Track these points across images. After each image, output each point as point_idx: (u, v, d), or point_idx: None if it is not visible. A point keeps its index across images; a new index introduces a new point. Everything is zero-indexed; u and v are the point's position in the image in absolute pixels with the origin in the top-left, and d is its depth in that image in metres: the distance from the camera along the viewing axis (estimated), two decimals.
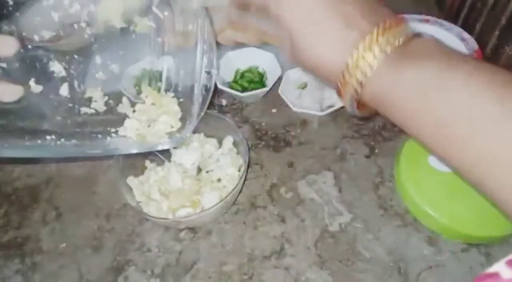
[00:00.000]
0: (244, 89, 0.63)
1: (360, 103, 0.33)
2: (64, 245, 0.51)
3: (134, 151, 0.42)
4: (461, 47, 0.63)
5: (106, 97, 0.43)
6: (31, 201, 0.56)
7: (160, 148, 0.43)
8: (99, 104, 0.43)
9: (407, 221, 0.50)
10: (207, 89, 0.44)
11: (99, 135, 0.42)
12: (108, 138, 0.41)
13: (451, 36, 0.65)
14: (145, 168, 0.54)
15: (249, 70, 0.65)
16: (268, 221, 0.51)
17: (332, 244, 0.49)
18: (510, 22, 0.59)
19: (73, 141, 0.41)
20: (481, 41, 0.64)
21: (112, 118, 0.43)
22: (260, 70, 0.65)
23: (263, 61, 0.65)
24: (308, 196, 0.53)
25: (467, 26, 0.70)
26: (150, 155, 0.54)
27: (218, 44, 0.75)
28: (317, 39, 0.32)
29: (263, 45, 0.73)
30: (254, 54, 0.65)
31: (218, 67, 0.45)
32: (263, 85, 0.63)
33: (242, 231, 0.51)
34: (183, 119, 0.43)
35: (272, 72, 0.64)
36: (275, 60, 0.64)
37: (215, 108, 0.64)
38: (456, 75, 0.27)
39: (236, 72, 0.65)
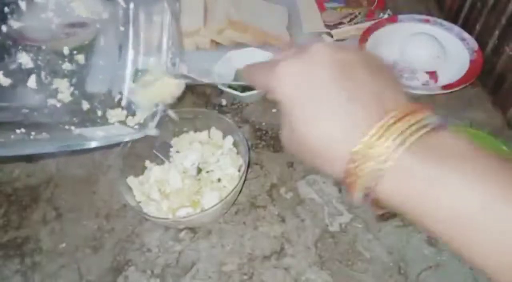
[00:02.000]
0: (244, 89, 0.63)
1: (374, 200, 0.27)
2: (64, 245, 0.51)
3: (100, 143, 0.42)
4: (461, 47, 0.63)
5: (72, 88, 0.43)
6: (31, 201, 0.55)
7: (127, 138, 0.43)
8: (65, 95, 0.43)
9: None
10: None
11: (66, 126, 0.42)
12: (77, 129, 0.42)
13: (451, 36, 0.65)
14: (145, 168, 0.54)
15: None
16: (268, 221, 0.51)
17: (332, 244, 0.49)
18: (510, 22, 0.59)
19: (44, 134, 0.41)
20: (481, 41, 0.64)
21: (77, 109, 0.43)
22: None
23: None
24: (308, 196, 0.53)
25: (467, 26, 0.70)
26: (150, 155, 0.54)
27: (218, 44, 0.75)
28: (319, 119, 0.28)
29: (263, 45, 0.74)
30: (254, 54, 0.65)
31: (181, 57, 0.45)
32: None
33: (242, 231, 0.51)
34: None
35: None
36: None
37: (215, 108, 0.64)
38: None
39: (236, 72, 0.65)
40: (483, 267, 0.24)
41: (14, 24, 0.43)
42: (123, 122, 0.44)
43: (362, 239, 0.49)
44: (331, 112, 0.27)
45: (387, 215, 0.29)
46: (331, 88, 0.28)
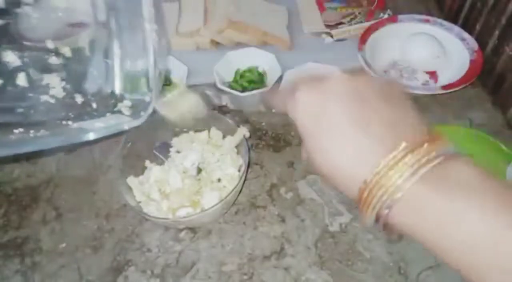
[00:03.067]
0: (244, 89, 0.63)
1: (386, 224, 0.28)
2: (64, 245, 0.51)
3: (100, 134, 0.42)
4: (461, 47, 0.63)
5: (64, 82, 0.43)
6: (31, 201, 0.55)
7: (126, 127, 0.43)
8: (57, 90, 0.43)
9: None
10: (161, 73, 0.44)
11: (64, 122, 0.42)
12: (75, 124, 0.41)
13: (451, 36, 0.65)
14: (145, 168, 0.54)
15: (249, 70, 0.65)
16: (268, 221, 0.51)
17: (332, 244, 0.49)
18: (510, 22, 0.59)
19: (43, 132, 0.40)
20: (481, 41, 0.64)
21: (71, 103, 0.43)
22: (260, 70, 0.65)
23: (263, 61, 0.65)
24: (308, 196, 0.53)
25: (467, 26, 0.70)
26: (150, 155, 0.54)
27: (218, 44, 0.76)
28: (333, 148, 0.29)
29: (263, 45, 0.74)
30: (254, 54, 0.65)
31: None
32: (263, 85, 0.63)
33: (242, 231, 0.51)
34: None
35: (272, 72, 0.64)
36: (275, 60, 0.64)
37: (215, 108, 0.64)
38: None
39: (236, 72, 0.65)
40: None
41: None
42: (117, 111, 0.44)
43: (362, 239, 0.49)
44: (344, 144, 0.28)
45: (398, 236, 0.30)
46: (344, 119, 0.28)
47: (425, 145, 0.26)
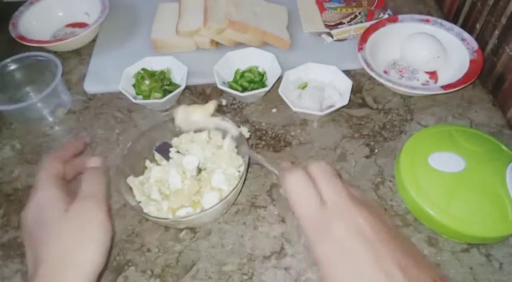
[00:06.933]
0: (244, 89, 0.63)
1: None
2: None
3: None
4: (461, 47, 0.63)
5: None
6: None
7: None
8: None
9: (407, 221, 0.50)
10: None
11: None
12: None
13: (451, 36, 0.65)
14: (145, 168, 0.54)
15: (249, 70, 0.65)
16: (268, 221, 0.51)
17: None
18: (510, 22, 0.59)
19: None
20: (481, 41, 0.65)
21: None
22: (260, 70, 0.65)
23: (263, 61, 0.65)
24: None
25: (467, 26, 0.70)
26: (150, 155, 0.54)
27: (218, 44, 0.75)
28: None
29: (263, 45, 0.74)
30: (254, 54, 0.65)
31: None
32: (263, 85, 0.63)
33: (242, 231, 0.51)
34: None
35: (272, 72, 0.64)
36: (275, 60, 0.64)
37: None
38: None
39: (236, 72, 0.65)
40: None
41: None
42: None
43: None
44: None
45: None
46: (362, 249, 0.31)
47: None
